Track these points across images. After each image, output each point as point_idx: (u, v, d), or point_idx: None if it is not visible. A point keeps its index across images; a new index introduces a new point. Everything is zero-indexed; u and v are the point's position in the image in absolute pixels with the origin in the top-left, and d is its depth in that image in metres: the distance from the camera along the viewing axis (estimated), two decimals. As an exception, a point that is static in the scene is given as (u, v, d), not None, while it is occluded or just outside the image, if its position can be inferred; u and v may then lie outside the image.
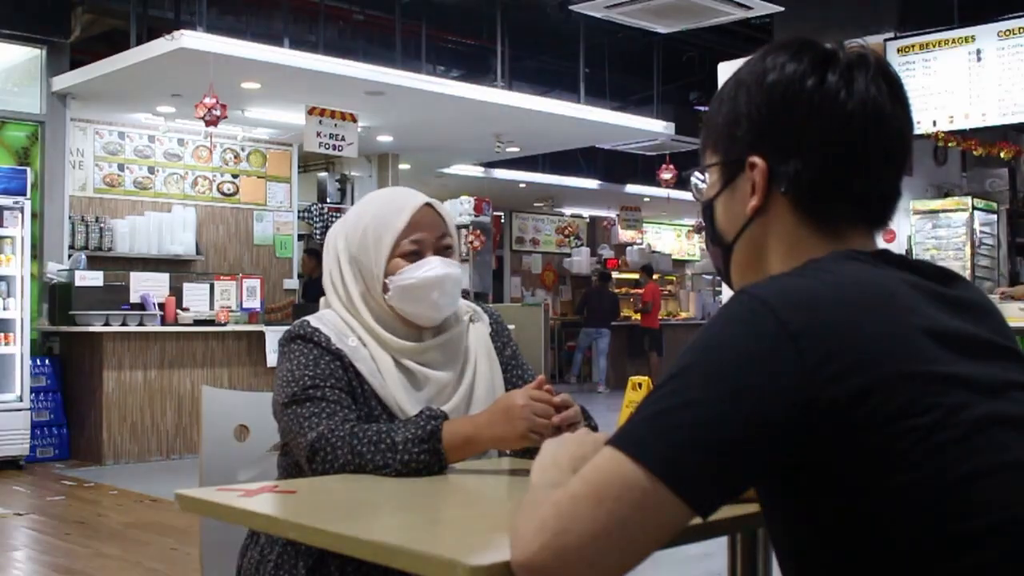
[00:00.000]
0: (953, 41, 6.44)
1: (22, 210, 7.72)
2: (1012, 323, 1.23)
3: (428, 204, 1.95)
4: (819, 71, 1.15)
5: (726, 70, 7.35)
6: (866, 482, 1.00)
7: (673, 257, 18.87)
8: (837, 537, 1.03)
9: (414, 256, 1.92)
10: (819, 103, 1.14)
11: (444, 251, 1.95)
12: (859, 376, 1.00)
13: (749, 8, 7.32)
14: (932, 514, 0.99)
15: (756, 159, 1.17)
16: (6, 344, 7.65)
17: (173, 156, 10.01)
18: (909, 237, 7.22)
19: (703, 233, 1.31)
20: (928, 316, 1.07)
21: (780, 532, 1.13)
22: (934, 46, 6.50)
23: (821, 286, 1.06)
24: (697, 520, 1.03)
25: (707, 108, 1.27)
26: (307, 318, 1.93)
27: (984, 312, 1.15)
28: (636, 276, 16.46)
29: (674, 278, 18.66)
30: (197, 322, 8.14)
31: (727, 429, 0.99)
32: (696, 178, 1.28)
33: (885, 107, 1.16)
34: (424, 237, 1.93)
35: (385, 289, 1.91)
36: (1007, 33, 6.26)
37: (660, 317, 15.37)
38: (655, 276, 16.02)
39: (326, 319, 1.93)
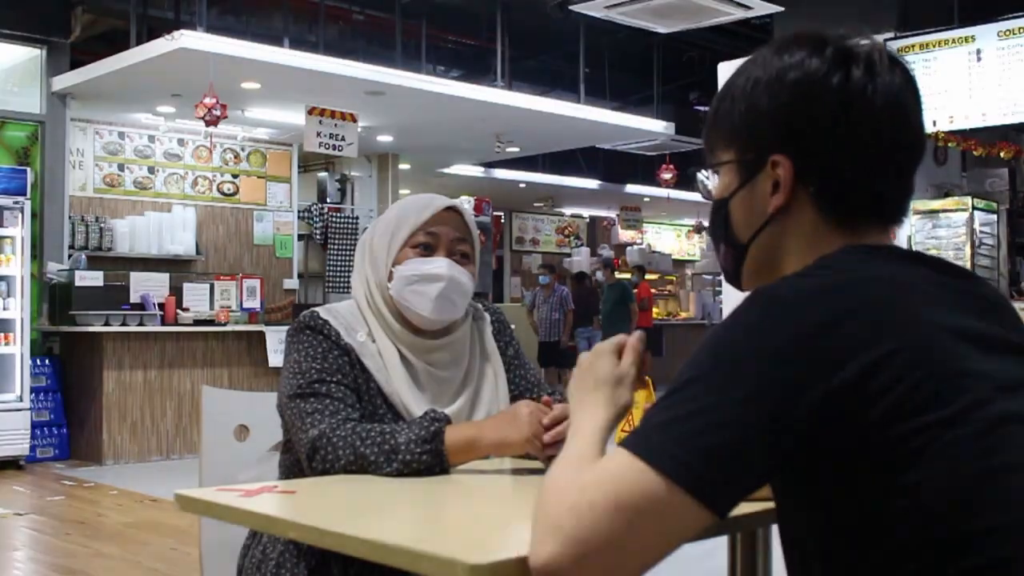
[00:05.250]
0: (953, 41, 6.44)
1: (22, 210, 7.72)
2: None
3: (456, 209, 1.96)
4: (843, 67, 1.14)
5: (726, 70, 7.34)
6: (883, 478, 1.00)
7: (673, 257, 18.87)
8: (851, 532, 1.03)
9: (425, 250, 1.92)
10: (847, 100, 1.13)
11: (458, 255, 1.94)
12: (878, 374, 0.99)
13: (749, 8, 7.32)
14: (949, 510, 0.98)
15: (780, 157, 1.15)
16: (6, 344, 7.65)
17: (173, 156, 10.01)
18: (909, 237, 7.21)
19: (708, 233, 1.29)
20: (946, 312, 1.07)
21: (792, 528, 1.12)
22: (934, 46, 6.50)
23: (837, 284, 1.05)
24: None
25: (711, 105, 1.25)
26: (316, 309, 1.92)
27: (1000, 309, 1.14)
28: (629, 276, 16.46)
29: (674, 278, 18.66)
30: (197, 322, 8.14)
31: (747, 432, 0.99)
32: (703, 176, 1.26)
33: (907, 103, 1.16)
34: (440, 232, 1.93)
35: (390, 278, 1.91)
36: (1007, 33, 6.26)
37: (661, 317, 15.36)
38: (652, 276, 15.99)
39: (336, 311, 1.93)
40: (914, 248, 7.19)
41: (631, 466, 1.00)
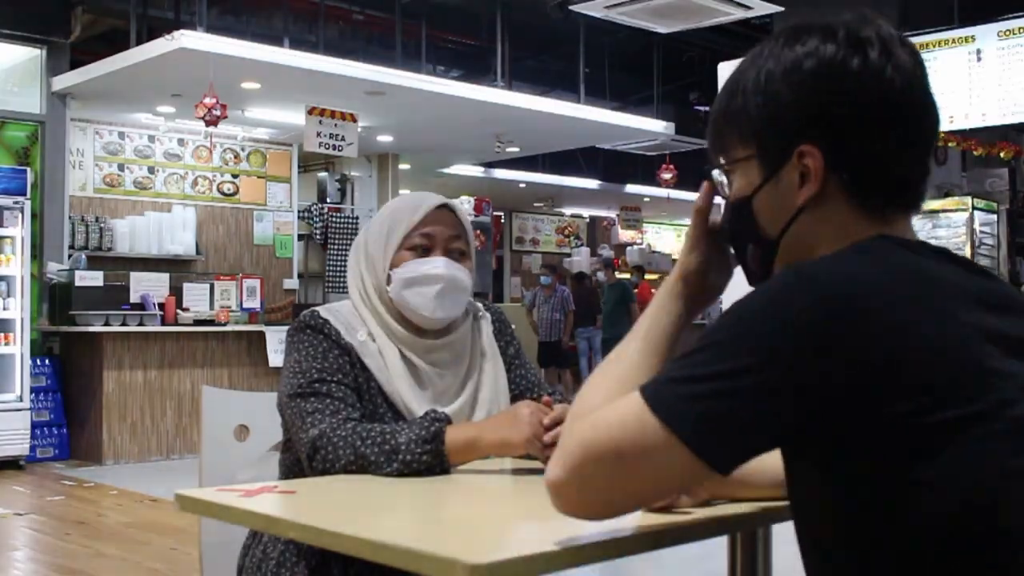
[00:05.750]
0: (953, 41, 6.44)
1: (22, 210, 7.72)
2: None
3: (448, 207, 1.96)
4: (859, 50, 1.13)
5: (726, 70, 7.36)
6: (901, 470, 0.99)
7: (673, 257, 18.86)
8: (867, 523, 1.02)
9: (422, 251, 1.92)
10: (868, 82, 1.12)
11: (455, 253, 1.94)
12: (904, 364, 0.99)
13: (749, 8, 7.32)
14: (968, 508, 0.98)
15: (808, 147, 1.13)
16: (6, 344, 7.65)
17: (173, 156, 10.01)
18: (909, 237, 7.22)
19: (727, 234, 1.26)
20: (974, 310, 1.06)
21: (805, 517, 1.12)
22: (934, 46, 6.50)
23: (870, 271, 1.05)
24: (692, 518, 1.04)
25: (718, 103, 1.23)
26: (317, 308, 1.93)
27: (1022, 310, 1.14)
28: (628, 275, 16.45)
29: (674, 278, 18.60)
30: (197, 322, 8.14)
31: (758, 404, 1.00)
32: (719, 175, 1.24)
33: (923, 78, 1.16)
34: (435, 232, 1.93)
35: (389, 281, 1.91)
36: (1007, 33, 6.26)
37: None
38: (652, 276, 15.97)
39: (336, 311, 1.93)
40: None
41: (640, 416, 1.03)
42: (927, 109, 1.16)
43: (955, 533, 0.98)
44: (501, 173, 13.94)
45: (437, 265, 1.90)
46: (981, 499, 0.98)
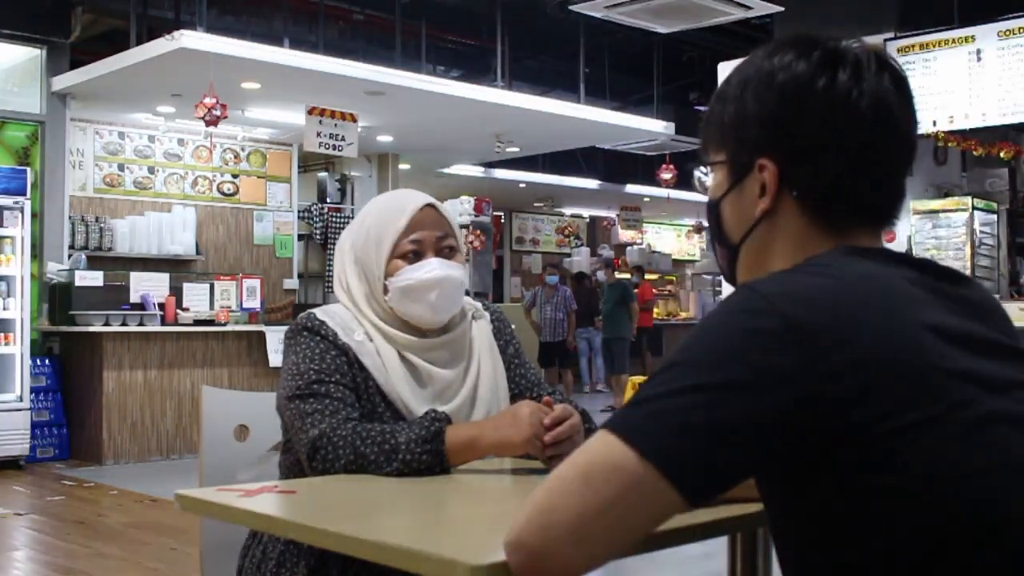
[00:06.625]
0: (953, 41, 6.45)
1: (22, 210, 7.72)
2: (1016, 323, 1.21)
3: (430, 205, 1.95)
4: (828, 70, 1.14)
5: (726, 70, 7.36)
6: (866, 478, 1.00)
7: (673, 257, 18.86)
8: (835, 532, 1.03)
9: (414, 256, 1.92)
10: (831, 105, 1.13)
11: (445, 252, 1.95)
12: (860, 372, 0.99)
13: (749, 8, 7.32)
14: (932, 511, 0.98)
15: (766, 161, 1.16)
16: (6, 344, 7.65)
17: (173, 156, 10.01)
18: (909, 237, 7.21)
19: (707, 231, 1.31)
20: (931, 313, 1.06)
21: (779, 527, 1.12)
22: (934, 46, 6.50)
23: (824, 282, 1.06)
24: (692, 518, 1.03)
25: (710, 105, 1.25)
26: (314, 311, 1.93)
27: (989, 311, 1.14)
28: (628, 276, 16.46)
29: (674, 278, 18.65)
30: (197, 322, 8.14)
31: (722, 418, 0.99)
32: (700, 173, 1.27)
33: (894, 106, 1.15)
34: (424, 236, 1.93)
35: (386, 291, 1.91)
36: (1007, 33, 6.26)
37: (661, 317, 15.37)
38: (651, 276, 15.97)
39: (333, 312, 1.93)
40: (914, 248, 7.19)
41: (606, 442, 1.00)
42: (896, 136, 1.16)
43: (919, 537, 0.98)
44: (501, 173, 13.94)
45: (432, 268, 1.90)
46: (942, 502, 0.99)
